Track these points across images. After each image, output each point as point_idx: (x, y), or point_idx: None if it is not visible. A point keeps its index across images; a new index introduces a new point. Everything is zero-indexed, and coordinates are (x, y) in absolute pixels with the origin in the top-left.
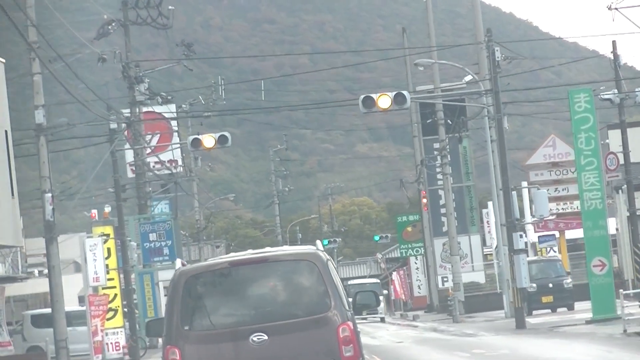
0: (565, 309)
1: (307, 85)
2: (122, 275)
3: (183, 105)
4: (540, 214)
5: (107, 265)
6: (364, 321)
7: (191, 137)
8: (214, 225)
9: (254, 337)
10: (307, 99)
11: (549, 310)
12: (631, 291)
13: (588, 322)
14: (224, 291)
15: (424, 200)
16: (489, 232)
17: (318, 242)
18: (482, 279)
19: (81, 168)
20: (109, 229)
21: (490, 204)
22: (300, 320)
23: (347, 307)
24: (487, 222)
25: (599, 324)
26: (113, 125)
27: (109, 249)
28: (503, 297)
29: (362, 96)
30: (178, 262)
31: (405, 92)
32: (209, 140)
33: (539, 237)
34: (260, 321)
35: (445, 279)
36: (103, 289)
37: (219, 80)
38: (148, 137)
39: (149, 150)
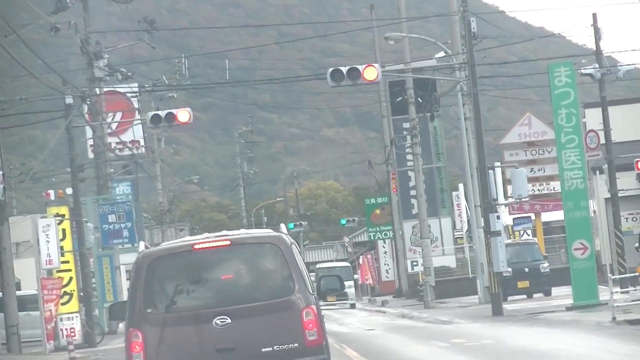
0: (541, 294)
1: (274, 70)
2: (78, 258)
3: (146, 86)
4: (518, 194)
5: (61, 248)
6: (333, 307)
7: (151, 113)
8: (178, 208)
9: (217, 320)
10: (273, 84)
11: (525, 296)
12: (619, 276)
13: (569, 308)
14: (187, 274)
15: (393, 182)
16: (459, 215)
17: (282, 225)
18: (453, 263)
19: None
20: (64, 210)
21: (461, 186)
22: (264, 303)
23: (311, 291)
24: (458, 205)
25: (581, 310)
26: (69, 100)
27: (64, 230)
28: (477, 282)
29: (331, 69)
30: (141, 245)
31: (375, 65)
32: (183, 114)
33: (514, 219)
34: (224, 304)
35: (414, 263)
36: (58, 272)
37: (182, 59)
38: (110, 117)
39: (109, 131)
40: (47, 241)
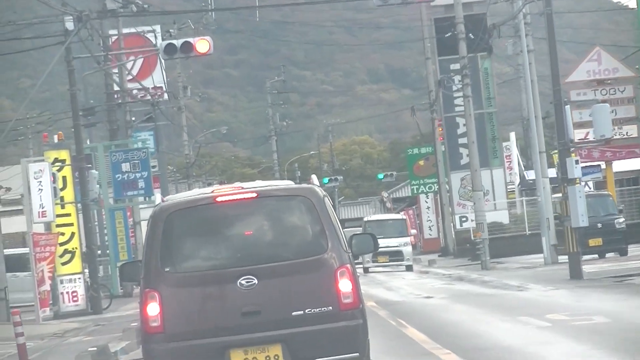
0: (615, 254)
1: (306, 27)
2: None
3: (170, 30)
4: (601, 134)
5: (62, 198)
6: (385, 269)
7: (164, 42)
8: (209, 163)
9: (243, 280)
10: (306, 40)
11: (596, 256)
12: None
13: None
14: (209, 229)
15: (439, 130)
16: (510, 167)
17: (314, 176)
18: (506, 219)
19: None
20: (64, 154)
21: (511, 135)
22: (294, 262)
23: (345, 249)
24: (507, 156)
25: None
26: (69, 25)
27: (64, 179)
28: (542, 239)
29: None
30: (157, 197)
31: None
32: (202, 44)
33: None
34: (250, 263)
35: (463, 219)
36: (57, 226)
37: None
38: (130, 63)
39: (129, 77)
40: (39, 189)
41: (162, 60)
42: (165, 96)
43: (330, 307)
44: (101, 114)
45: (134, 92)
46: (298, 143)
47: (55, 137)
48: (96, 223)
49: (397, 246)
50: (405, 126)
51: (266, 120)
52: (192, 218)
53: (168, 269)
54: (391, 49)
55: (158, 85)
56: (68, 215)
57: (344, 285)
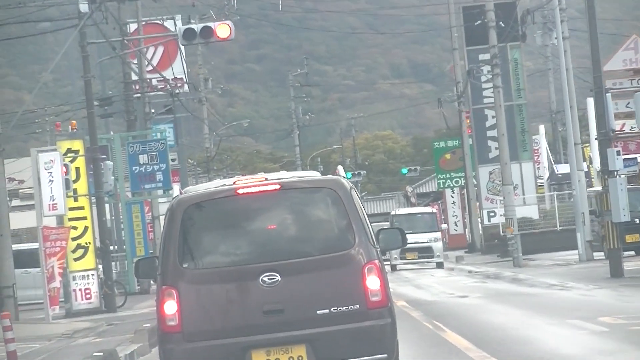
0: None
1: (328, 21)
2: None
3: (192, 21)
4: None
5: (75, 190)
6: (413, 267)
7: (183, 27)
8: (230, 157)
9: (265, 277)
10: (328, 35)
11: (633, 253)
12: None
13: None
14: (229, 223)
15: (467, 122)
16: (539, 161)
17: (340, 167)
18: (536, 214)
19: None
20: (78, 145)
21: (540, 128)
22: (319, 258)
23: (373, 244)
24: (536, 150)
25: None
26: (84, 7)
27: (77, 170)
28: (577, 235)
29: None
30: (175, 189)
31: None
32: (223, 29)
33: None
34: (272, 259)
35: (491, 214)
36: (70, 220)
37: None
38: (150, 52)
39: (149, 68)
40: (50, 181)
41: (183, 51)
42: (186, 87)
43: (357, 306)
44: (119, 104)
45: (154, 82)
46: (320, 138)
47: (69, 127)
48: (112, 217)
49: (426, 242)
50: (427, 122)
51: (288, 115)
52: (212, 211)
53: (186, 265)
54: (414, 43)
55: (178, 77)
56: (81, 208)
57: (372, 282)
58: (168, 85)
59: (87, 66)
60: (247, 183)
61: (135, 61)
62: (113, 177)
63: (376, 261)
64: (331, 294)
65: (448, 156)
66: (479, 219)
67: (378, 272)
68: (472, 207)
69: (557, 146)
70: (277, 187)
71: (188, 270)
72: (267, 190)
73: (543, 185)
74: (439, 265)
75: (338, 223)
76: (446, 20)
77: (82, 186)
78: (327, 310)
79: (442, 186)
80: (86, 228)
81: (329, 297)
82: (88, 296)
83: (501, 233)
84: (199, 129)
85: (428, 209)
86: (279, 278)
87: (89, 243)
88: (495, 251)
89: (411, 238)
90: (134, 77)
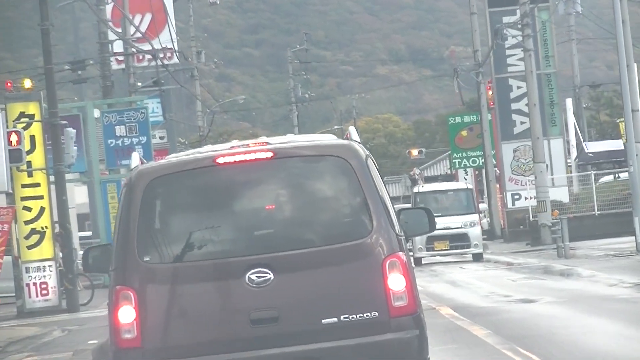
0: None
1: (327, 6)
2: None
3: None
4: None
5: (29, 164)
6: (444, 259)
7: None
8: (226, 140)
9: (253, 275)
10: (327, 20)
11: None
12: None
13: None
14: (206, 203)
15: (489, 93)
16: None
17: (351, 129)
18: (566, 197)
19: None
20: (33, 108)
21: (568, 101)
22: (324, 249)
23: (397, 231)
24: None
25: None
26: None
27: (32, 139)
28: (635, 220)
29: None
30: (134, 157)
31: None
32: None
33: None
34: (263, 250)
35: (516, 197)
36: (23, 199)
37: None
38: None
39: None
40: None
41: (172, 17)
42: (176, 59)
43: (376, 313)
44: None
45: (141, 57)
46: (318, 124)
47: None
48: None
49: (460, 227)
50: (425, 107)
51: (286, 100)
52: (183, 187)
53: (148, 259)
54: (412, 29)
55: (167, 47)
56: (37, 185)
57: (395, 281)
58: (154, 53)
59: (44, 12)
60: (232, 150)
61: (120, 30)
62: (76, 148)
63: (400, 253)
64: (341, 297)
65: (464, 133)
66: (504, 203)
67: (403, 268)
68: (491, 189)
69: (582, 124)
70: (270, 154)
71: (150, 266)
72: (256, 159)
73: (570, 166)
74: (477, 258)
75: (350, 202)
76: (445, 6)
77: (38, 158)
78: (336, 319)
79: (457, 166)
80: (42, 209)
81: (338, 301)
82: (45, 292)
83: (531, 218)
84: (190, 105)
85: (462, 184)
86: (271, 276)
87: (46, 227)
88: (521, 239)
89: (441, 222)
90: (113, 37)
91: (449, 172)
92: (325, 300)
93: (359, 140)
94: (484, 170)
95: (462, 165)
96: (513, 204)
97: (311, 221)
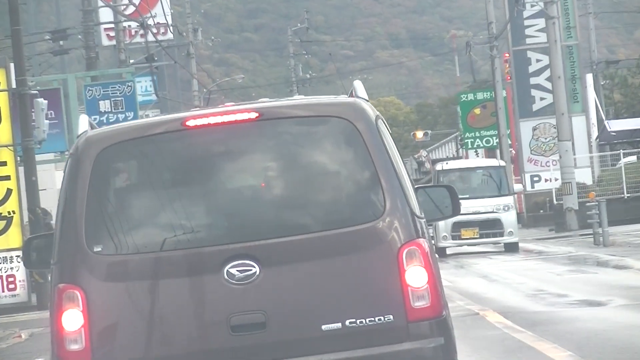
0: None
1: None
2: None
3: None
4: None
5: None
6: (471, 248)
7: None
8: None
9: (233, 268)
10: (327, 4)
11: None
12: None
13: None
14: (173, 178)
15: (507, 66)
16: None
17: (357, 83)
18: (589, 178)
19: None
20: None
21: (589, 76)
22: (324, 235)
23: (417, 212)
24: None
25: None
26: None
27: None
28: None
29: None
30: (83, 121)
31: None
32: None
33: None
34: (245, 237)
35: (535, 179)
36: None
37: None
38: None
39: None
40: None
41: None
42: (170, 35)
43: (390, 317)
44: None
45: (133, 32)
46: None
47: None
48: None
49: (492, 211)
50: (426, 92)
51: (286, 84)
52: (143, 158)
53: (99, 249)
54: (413, 13)
55: (161, 22)
56: (3, 164)
57: (415, 275)
58: (142, 21)
59: None
60: (207, 110)
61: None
62: (47, 122)
63: (421, 240)
64: (346, 296)
65: (477, 111)
66: (522, 185)
67: (424, 259)
68: (507, 170)
69: (601, 102)
70: (254, 115)
71: (102, 258)
72: (236, 120)
73: (591, 146)
74: (511, 248)
75: (356, 176)
76: None
77: (4, 134)
78: (339, 325)
79: (470, 146)
80: (9, 192)
81: (342, 302)
82: (12, 286)
83: (554, 201)
84: (186, 87)
85: (494, 161)
86: (256, 270)
87: (13, 212)
88: (541, 224)
89: (469, 206)
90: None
91: (455, 154)
92: (326, 301)
93: (366, 97)
94: (497, 151)
95: (474, 146)
96: (532, 187)
97: (307, 200)
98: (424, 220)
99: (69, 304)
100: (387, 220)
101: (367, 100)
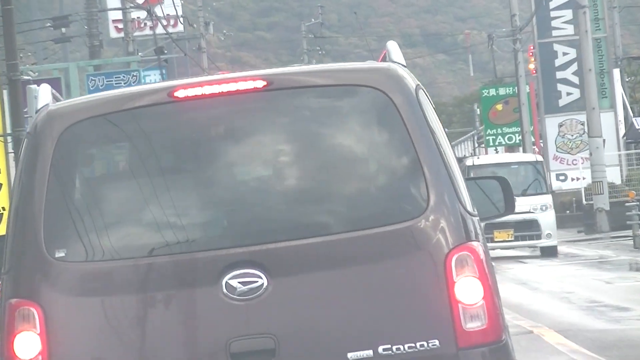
0: None
1: None
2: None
3: None
4: None
5: None
6: (504, 252)
7: None
8: None
9: (232, 280)
10: (340, 3)
11: None
12: None
13: None
14: (158, 164)
15: (531, 59)
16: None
17: (391, 44)
18: (618, 177)
19: None
20: None
21: (616, 71)
22: (349, 239)
23: (469, 208)
24: None
25: None
26: None
27: None
28: None
29: None
30: (43, 91)
31: None
32: None
33: None
34: (249, 240)
35: (561, 177)
36: None
37: None
38: None
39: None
40: None
41: None
42: (180, 27)
43: (436, 342)
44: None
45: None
46: None
47: None
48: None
49: (529, 212)
50: (439, 91)
51: None
52: (120, 138)
53: (62, 254)
54: (426, 13)
55: (171, 15)
56: None
57: (467, 289)
58: (148, 8)
59: None
60: (197, 80)
61: None
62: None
63: (475, 244)
64: (377, 316)
65: (499, 107)
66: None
67: (479, 268)
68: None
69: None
70: (262, 83)
71: (66, 266)
72: (238, 90)
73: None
74: (549, 252)
75: (391, 162)
76: None
77: None
78: (370, 352)
79: (491, 144)
80: None
81: (373, 323)
82: None
83: (583, 201)
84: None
85: (530, 156)
86: (264, 281)
87: (4, 209)
88: (568, 225)
89: None
90: None
91: (472, 153)
92: (352, 322)
93: (403, 62)
94: (520, 149)
95: (496, 143)
96: (558, 186)
97: (328, 194)
98: (477, 218)
99: (24, 325)
100: (431, 218)
101: (405, 66)
